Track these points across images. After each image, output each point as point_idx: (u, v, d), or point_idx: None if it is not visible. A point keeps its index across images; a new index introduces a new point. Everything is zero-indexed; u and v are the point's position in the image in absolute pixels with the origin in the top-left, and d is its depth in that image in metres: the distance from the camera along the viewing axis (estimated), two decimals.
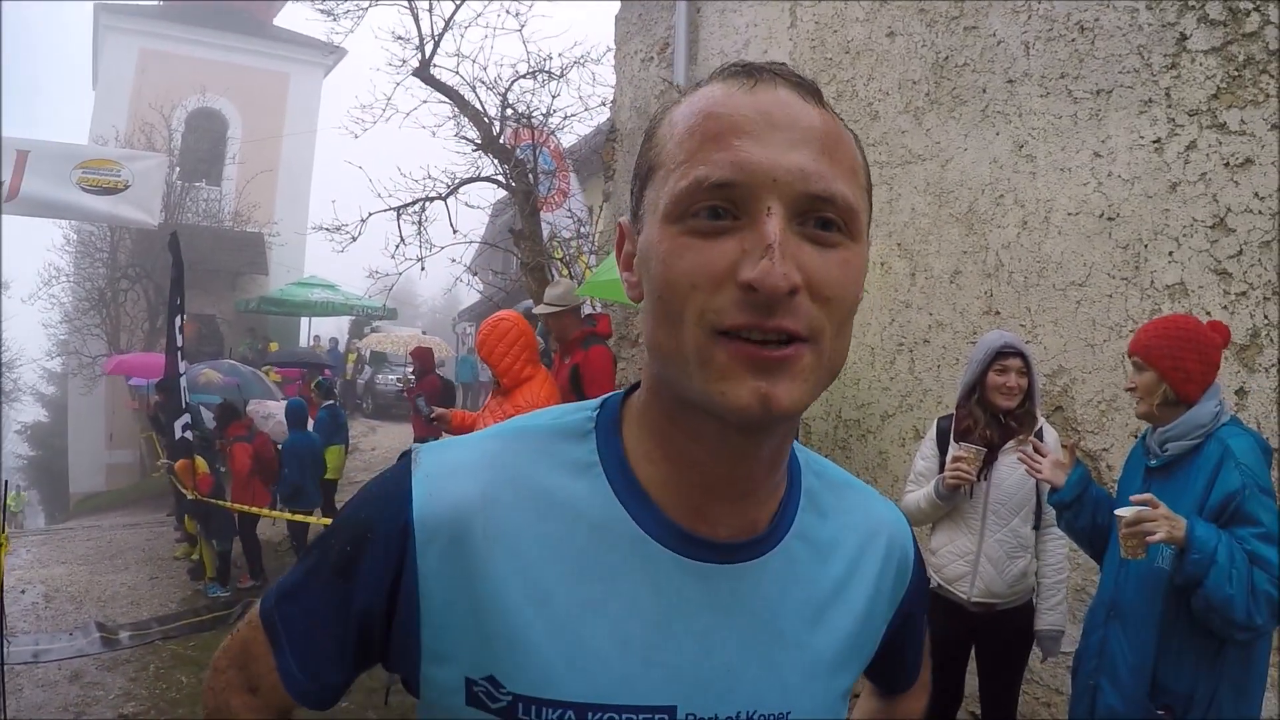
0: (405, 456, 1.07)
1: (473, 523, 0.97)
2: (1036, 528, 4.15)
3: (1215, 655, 3.05)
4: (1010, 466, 4.09)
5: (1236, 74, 4.17)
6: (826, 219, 0.88)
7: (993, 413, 4.12)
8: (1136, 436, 3.73)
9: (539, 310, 6.33)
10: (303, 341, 28.08)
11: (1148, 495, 3.02)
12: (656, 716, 0.96)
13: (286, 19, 30.56)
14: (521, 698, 0.94)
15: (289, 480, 9.81)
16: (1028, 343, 4.75)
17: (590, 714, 0.94)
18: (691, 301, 0.86)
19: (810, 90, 0.93)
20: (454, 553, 0.97)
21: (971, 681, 4.33)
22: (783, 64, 0.95)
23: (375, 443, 20.69)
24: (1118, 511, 3.07)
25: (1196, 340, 3.23)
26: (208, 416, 11.10)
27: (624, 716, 0.95)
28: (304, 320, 27.92)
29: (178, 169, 22.91)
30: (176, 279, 8.59)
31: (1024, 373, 4.08)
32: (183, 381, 8.90)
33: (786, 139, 0.87)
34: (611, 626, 0.96)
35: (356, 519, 1.04)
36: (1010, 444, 4.10)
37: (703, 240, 0.87)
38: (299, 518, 9.25)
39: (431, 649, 0.98)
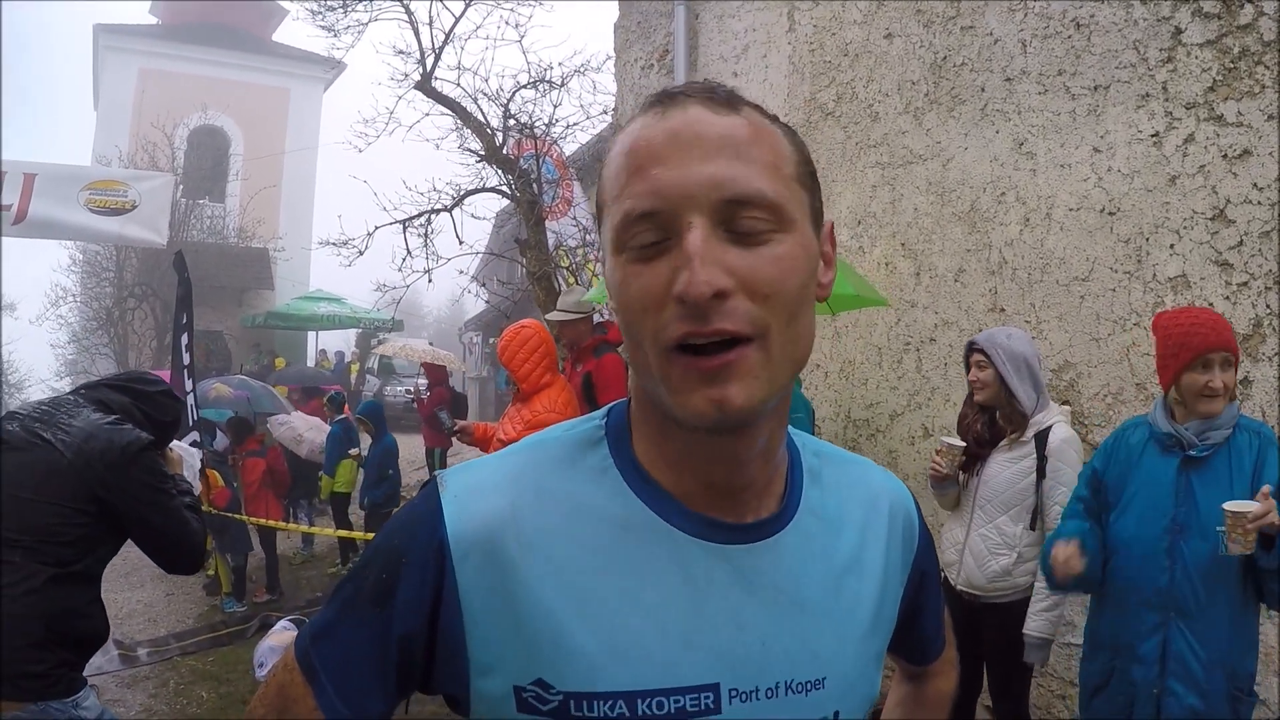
0: (430, 483, 1.10)
1: (505, 534, 1.01)
2: (1033, 528, 4.10)
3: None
4: (1001, 465, 4.15)
5: (1232, 66, 4.21)
6: (751, 218, 0.91)
7: (982, 408, 4.20)
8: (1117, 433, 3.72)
9: (551, 317, 6.37)
10: (310, 356, 28.09)
11: (1266, 488, 2.99)
12: (702, 696, 0.99)
13: (285, 35, 30.61)
14: (572, 695, 0.98)
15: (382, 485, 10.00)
16: (1034, 338, 4.80)
17: (640, 701, 0.97)
18: (644, 324, 0.92)
19: (723, 99, 0.97)
20: (490, 565, 1.00)
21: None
22: (702, 81, 1.01)
23: None
24: (1229, 507, 3.01)
25: (1230, 328, 3.33)
26: (221, 440, 11.13)
27: (672, 699, 0.98)
28: (310, 334, 27.95)
29: (181, 187, 22.97)
30: (183, 297, 8.62)
31: (984, 365, 4.14)
32: (190, 399, 8.95)
33: (696, 155, 0.92)
34: (649, 615, 1.00)
35: (390, 547, 1.06)
36: (1002, 443, 4.16)
37: (643, 265, 0.92)
38: (315, 530, 9.29)
39: (479, 662, 1.01)
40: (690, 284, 0.86)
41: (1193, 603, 3.22)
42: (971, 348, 4.22)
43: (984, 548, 4.12)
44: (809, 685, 1.05)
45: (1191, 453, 3.31)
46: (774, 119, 1.02)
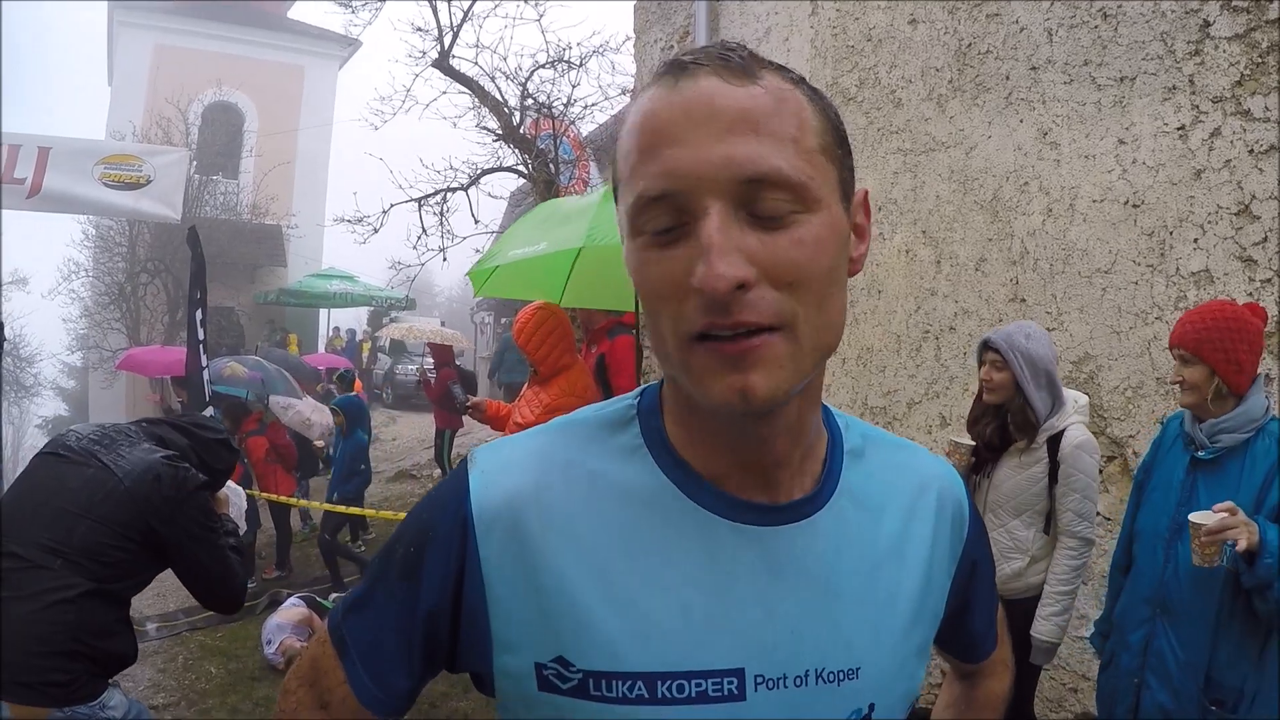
0: (463, 461, 1.10)
1: (527, 510, 1.00)
2: (1047, 531, 4.03)
3: (1262, 649, 3.07)
4: (1011, 470, 4.07)
5: (1260, 60, 4.17)
6: (772, 199, 0.87)
7: (992, 409, 4.13)
8: (1161, 423, 3.73)
9: (566, 301, 6.36)
10: (321, 333, 28.15)
11: (1229, 504, 2.97)
12: (725, 680, 0.97)
13: (300, 12, 30.65)
14: (592, 674, 0.97)
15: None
16: (1052, 330, 4.78)
17: (660, 683, 0.96)
18: (665, 312, 0.90)
19: (739, 66, 0.91)
20: (512, 540, 1.00)
21: None
22: (718, 45, 0.93)
23: (395, 433, 20.73)
24: (1193, 518, 3.02)
25: (1244, 329, 3.19)
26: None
27: (693, 682, 0.97)
28: (323, 312, 28.01)
29: (195, 163, 22.98)
30: (197, 273, 8.62)
31: (1000, 366, 4.03)
32: (205, 375, 8.95)
33: (710, 132, 0.87)
34: (672, 596, 0.98)
35: (419, 522, 1.08)
36: (1012, 449, 4.08)
37: (660, 251, 0.89)
38: (328, 507, 9.29)
39: (502, 638, 1.01)
40: (708, 278, 0.83)
41: (1178, 604, 3.24)
42: (986, 346, 4.08)
43: (995, 551, 4.00)
44: (842, 675, 1.03)
45: (1200, 454, 3.28)
46: (799, 81, 0.96)
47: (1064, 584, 3.93)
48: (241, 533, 3.67)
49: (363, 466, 9.98)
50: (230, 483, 3.74)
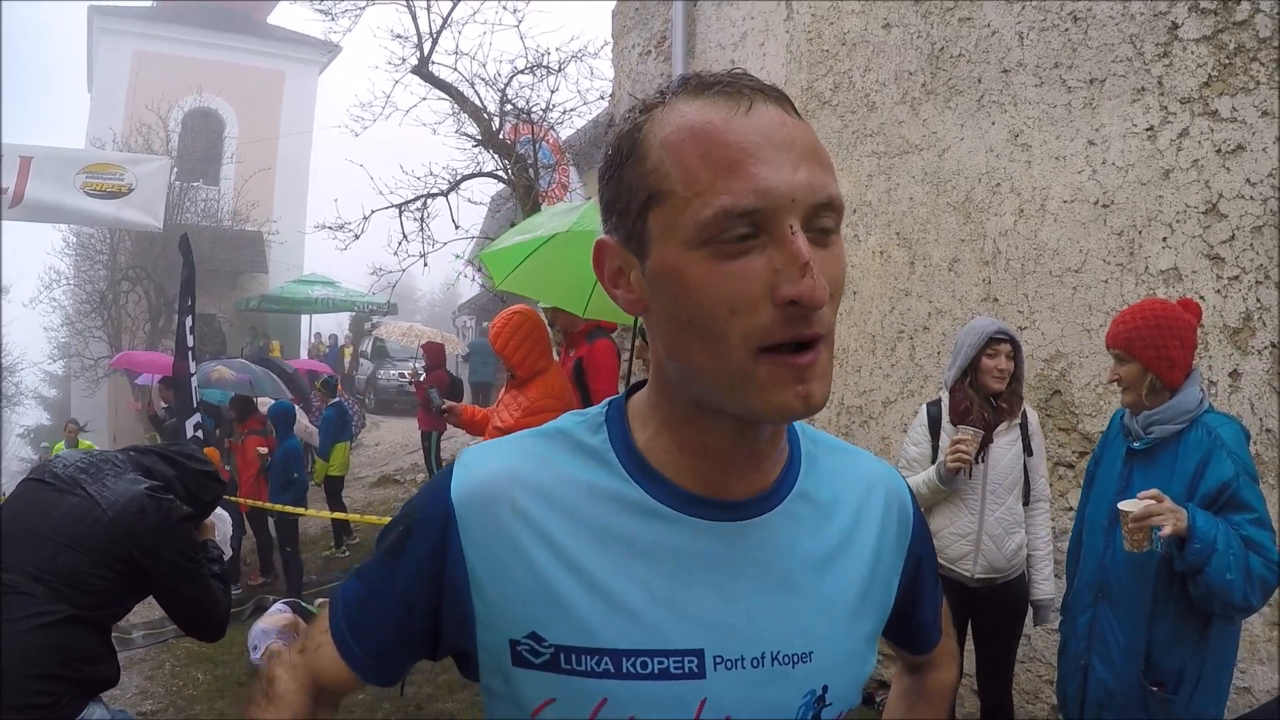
0: (453, 458, 1.20)
1: (501, 496, 1.09)
2: (1026, 503, 4.33)
3: (1201, 633, 3.17)
4: (1003, 448, 4.27)
5: (1228, 62, 4.25)
6: (826, 219, 0.96)
7: (985, 395, 4.26)
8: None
9: (545, 304, 6.39)
10: (304, 339, 28.11)
11: (1154, 491, 3.07)
12: (686, 659, 1.05)
13: (280, 17, 30.55)
14: (562, 648, 1.05)
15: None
16: (1024, 329, 4.88)
17: (625, 659, 1.04)
18: (733, 325, 0.94)
19: (789, 102, 1.01)
20: (488, 522, 1.08)
21: (968, 660, 4.44)
22: (746, 74, 1.02)
23: (379, 438, 20.68)
24: (1122, 505, 3.13)
25: (1175, 326, 3.31)
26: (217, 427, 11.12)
27: (656, 660, 1.05)
28: (304, 318, 27.96)
29: (175, 170, 22.94)
30: (187, 279, 8.62)
31: (1012, 357, 4.24)
32: (193, 381, 8.95)
33: (790, 159, 0.94)
34: (637, 584, 1.07)
35: (408, 508, 1.18)
36: (1002, 426, 4.26)
37: (730, 263, 0.94)
38: (309, 513, 9.29)
39: (481, 616, 1.09)
40: (813, 290, 0.91)
41: (1116, 589, 3.37)
42: (1003, 338, 4.23)
43: (1001, 530, 4.24)
44: (796, 659, 1.10)
45: (1135, 445, 3.42)
46: None
47: (1046, 545, 4.39)
48: (226, 558, 3.67)
49: (295, 475, 9.74)
50: (217, 508, 3.73)
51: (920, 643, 1.45)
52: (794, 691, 1.11)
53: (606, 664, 1.04)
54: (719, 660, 1.06)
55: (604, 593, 1.06)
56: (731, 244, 0.94)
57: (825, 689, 1.13)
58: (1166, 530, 2.96)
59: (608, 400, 1.21)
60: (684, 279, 0.97)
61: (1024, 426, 4.30)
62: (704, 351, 0.98)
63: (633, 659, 1.04)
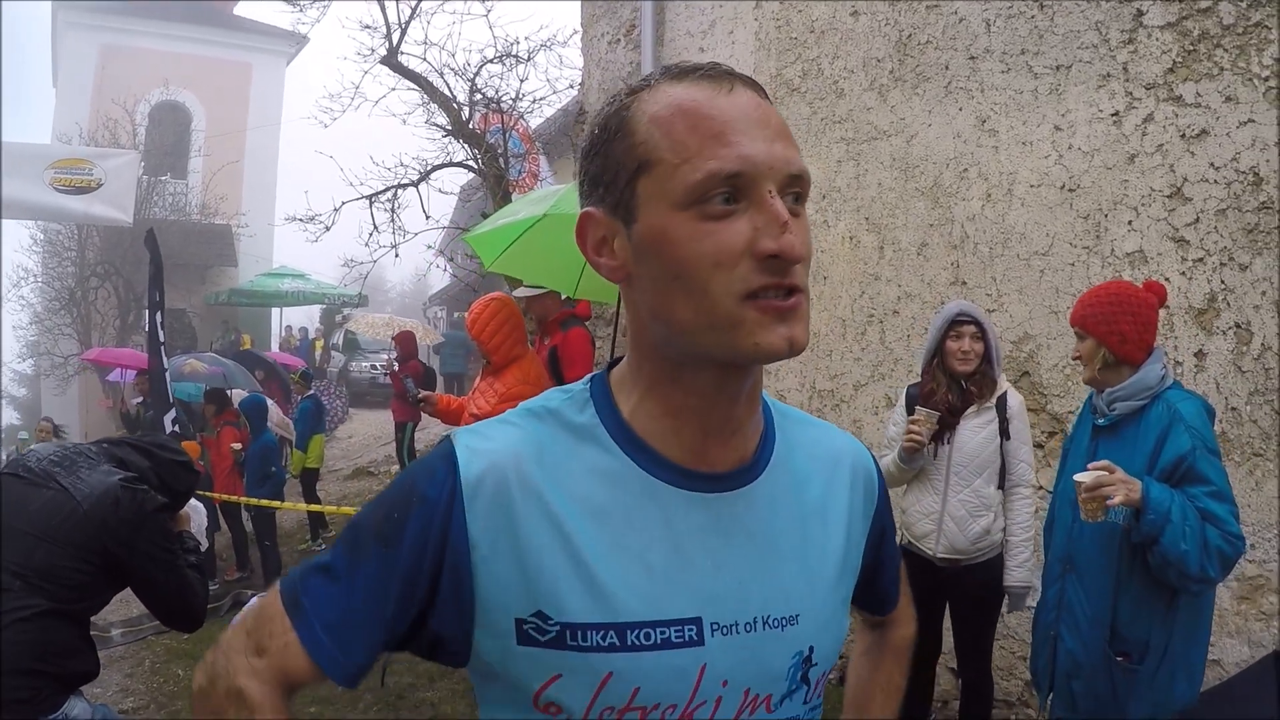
0: (445, 439, 1.21)
1: (509, 475, 1.12)
2: (1002, 487, 4.32)
3: (1168, 605, 3.24)
4: (972, 430, 4.30)
5: (1192, 48, 4.31)
6: (796, 191, 1.08)
7: (953, 377, 4.31)
8: None
9: (519, 293, 6.41)
10: (275, 332, 27.94)
11: (1105, 462, 3.16)
12: (686, 628, 1.11)
13: (247, 8, 30.31)
14: (569, 625, 1.08)
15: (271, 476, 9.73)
16: (992, 312, 4.93)
17: (629, 631, 1.09)
18: (716, 277, 1.03)
19: (763, 90, 1.13)
20: (496, 503, 1.11)
21: (947, 639, 4.50)
22: (725, 67, 1.13)
23: (351, 430, 20.54)
24: (1076, 477, 3.21)
25: (1129, 304, 3.40)
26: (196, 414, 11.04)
27: (658, 630, 1.10)
28: (275, 311, 27.79)
29: (143, 164, 22.73)
30: (155, 275, 8.58)
31: (978, 338, 4.27)
32: (167, 376, 8.90)
33: (768, 134, 1.06)
34: (635, 558, 1.11)
35: (403, 489, 1.15)
36: (971, 409, 4.30)
37: (716, 223, 1.03)
38: (285, 506, 9.27)
39: (485, 597, 1.10)
40: (792, 245, 1.02)
41: (1083, 560, 3.45)
42: (965, 319, 4.29)
43: (965, 512, 4.27)
44: (784, 621, 1.17)
45: (1099, 421, 3.51)
46: None
47: (1025, 531, 4.31)
48: (203, 549, 3.66)
49: (273, 469, 9.70)
50: (192, 499, 3.71)
51: (884, 605, 1.54)
52: (784, 653, 1.17)
53: (612, 638, 1.08)
54: (715, 627, 1.12)
55: (604, 569, 1.10)
56: (716, 206, 1.03)
57: (811, 649, 1.20)
58: (1117, 500, 3.04)
59: (589, 376, 1.25)
60: (671, 237, 1.06)
61: (1002, 410, 4.30)
62: (689, 305, 1.06)
63: (636, 631, 1.09)
